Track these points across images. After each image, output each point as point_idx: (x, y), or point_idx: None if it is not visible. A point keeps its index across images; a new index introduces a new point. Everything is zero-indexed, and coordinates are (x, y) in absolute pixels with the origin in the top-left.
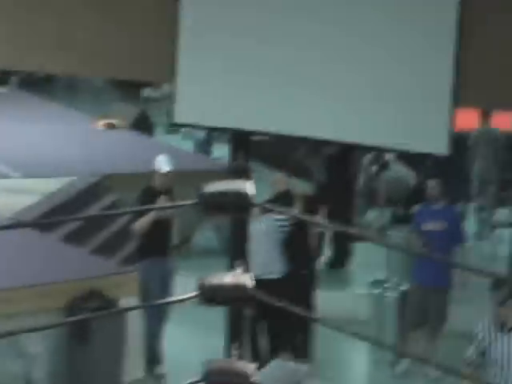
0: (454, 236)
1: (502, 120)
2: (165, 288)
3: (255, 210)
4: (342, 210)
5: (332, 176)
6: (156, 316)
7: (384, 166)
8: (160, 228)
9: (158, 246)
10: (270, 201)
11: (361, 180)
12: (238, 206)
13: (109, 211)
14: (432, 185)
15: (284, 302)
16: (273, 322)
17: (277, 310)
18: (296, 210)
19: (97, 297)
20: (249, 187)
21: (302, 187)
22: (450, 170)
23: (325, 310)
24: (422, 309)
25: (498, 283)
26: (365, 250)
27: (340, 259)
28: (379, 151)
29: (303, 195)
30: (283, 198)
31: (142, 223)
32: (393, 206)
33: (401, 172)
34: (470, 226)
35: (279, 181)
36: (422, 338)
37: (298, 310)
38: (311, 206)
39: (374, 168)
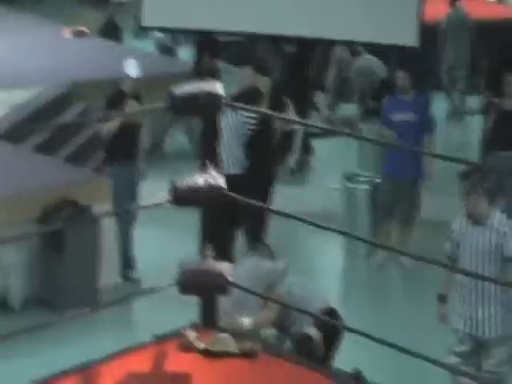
0: (423, 126)
1: (470, 8)
2: (132, 192)
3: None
4: (304, 106)
5: (292, 73)
6: (126, 221)
7: (355, 53)
8: (128, 132)
9: (125, 150)
10: (237, 97)
11: (331, 73)
12: (208, 106)
13: (79, 119)
14: (401, 76)
15: (244, 197)
16: (239, 219)
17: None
18: (263, 106)
19: (70, 205)
20: (218, 86)
21: (267, 83)
22: (419, 60)
23: (297, 205)
24: (394, 200)
25: (467, 172)
26: (336, 145)
27: (306, 156)
28: (349, 45)
29: (271, 91)
30: (250, 94)
31: (109, 127)
32: (363, 99)
33: (371, 60)
34: (441, 114)
35: (246, 76)
36: (395, 229)
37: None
38: (279, 102)
39: (346, 55)
